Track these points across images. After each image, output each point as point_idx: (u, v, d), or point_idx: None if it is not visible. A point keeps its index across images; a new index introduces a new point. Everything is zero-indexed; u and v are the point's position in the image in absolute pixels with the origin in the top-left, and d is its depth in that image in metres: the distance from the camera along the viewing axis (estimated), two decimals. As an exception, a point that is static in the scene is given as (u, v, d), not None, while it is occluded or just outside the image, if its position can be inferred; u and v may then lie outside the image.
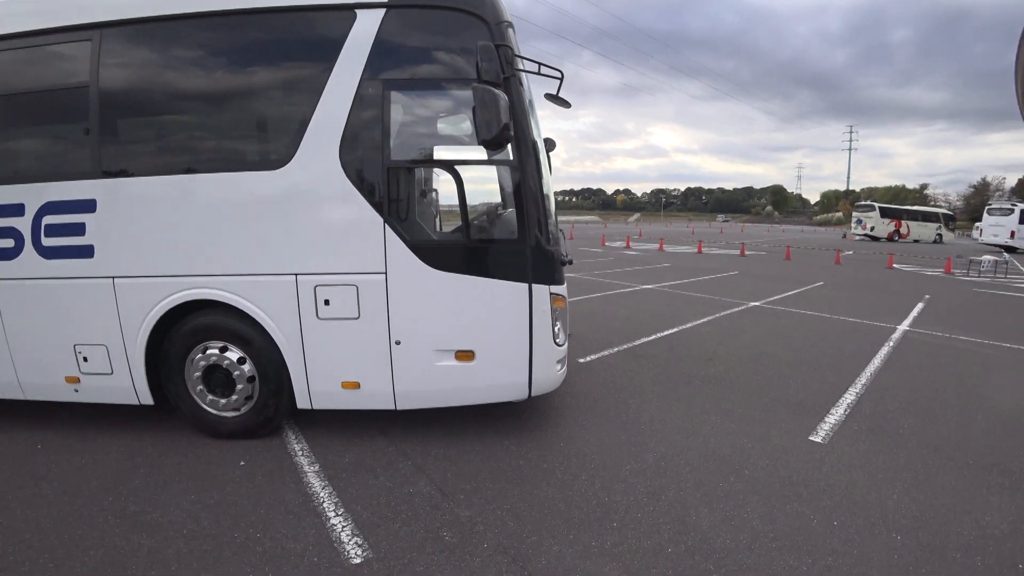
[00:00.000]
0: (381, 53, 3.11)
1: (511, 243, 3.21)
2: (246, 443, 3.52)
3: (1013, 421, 4.24)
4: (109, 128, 3.43)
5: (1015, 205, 30.14)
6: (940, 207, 54.94)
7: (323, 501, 2.83)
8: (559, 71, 3.17)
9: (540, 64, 3.11)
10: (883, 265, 18.25)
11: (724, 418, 4.05)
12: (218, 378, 3.51)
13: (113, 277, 3.40)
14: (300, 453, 3.39)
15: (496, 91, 2.80)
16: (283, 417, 3.59)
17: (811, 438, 3.77)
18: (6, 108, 3.55)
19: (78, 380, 3.62)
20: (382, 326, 3.23)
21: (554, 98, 3.38)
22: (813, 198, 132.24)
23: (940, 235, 39.49)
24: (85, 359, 3.56)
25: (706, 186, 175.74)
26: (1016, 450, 3.68)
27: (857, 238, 38.98)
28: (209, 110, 3.55)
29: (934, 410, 4.40)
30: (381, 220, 3.12)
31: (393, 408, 3.39)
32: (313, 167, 3.18)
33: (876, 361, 5.86)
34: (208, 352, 3.47)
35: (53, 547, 2.43)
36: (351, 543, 2.45)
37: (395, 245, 3.14)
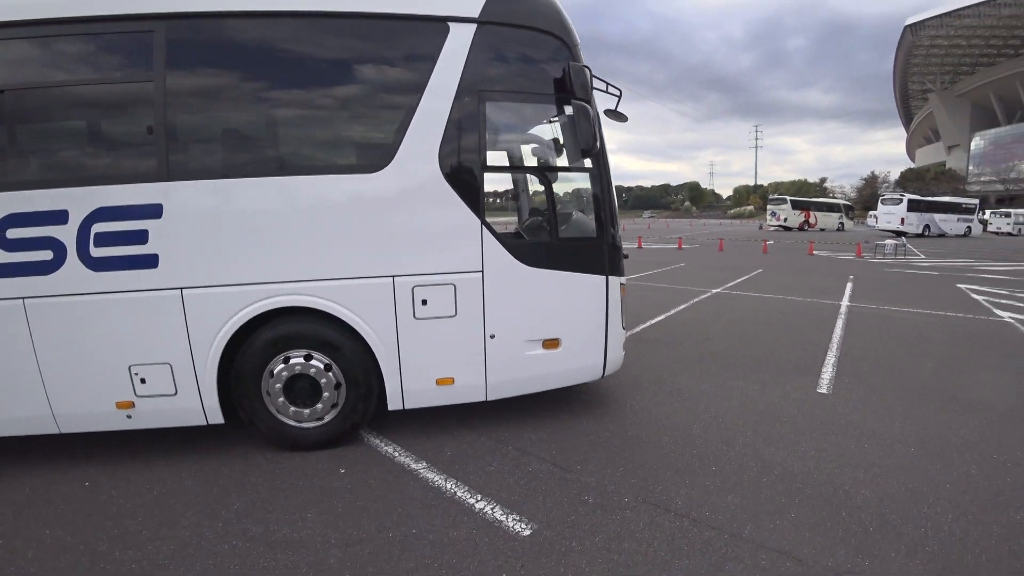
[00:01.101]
0: (475, 64, 3.34)
1: (592, 240, 3.72)
2: (330, 452, 3.51)
3: (952, 364, 5.46)
4: (180, 128, 3.30)
5: (903, 195, 34.94)
6: (839, 199, 61.93)
7: (454, 491, 3.00)
8: (619, 89, 3.81)
9: (607, 83, 3.73)
10: (804, 252, 20.67)
11: (745, 383, 4.89)
12: (301, 388, 3.44)
13: (182, 288, 3.21)
14: (398, 454, 3.48)
15: (591, 108, 3.40)
16: (367, 421, 3.63)
17: (819, 391, 4.69)
18: (45, 102, 3.29)
19: (132, 405, 3.34)
20: (478, 322, 3.48)
21: (614, 113, 3.97)
22: (725, 193, 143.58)
23: (842, 223, 44.70)
24: (143, 380, 3.30)
25: (625, 184, 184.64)
26: (961, 384, 4.84)
27: (772, 228, 43.21)
28: (298, 111, 3.51)
29: (895, 363, 5.53)
30: (479, 221, 3.38)
31: (484, 400, 3.64)
32: (413, 170, 3.32)
33: (838, 330, 7.06)
34: (292, 362, 3.40)
35: None
36: (509, 520, 2.69)
37: (491, 244, 3.43)
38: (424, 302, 3.38)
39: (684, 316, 8.14)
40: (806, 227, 42.65)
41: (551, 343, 3.67)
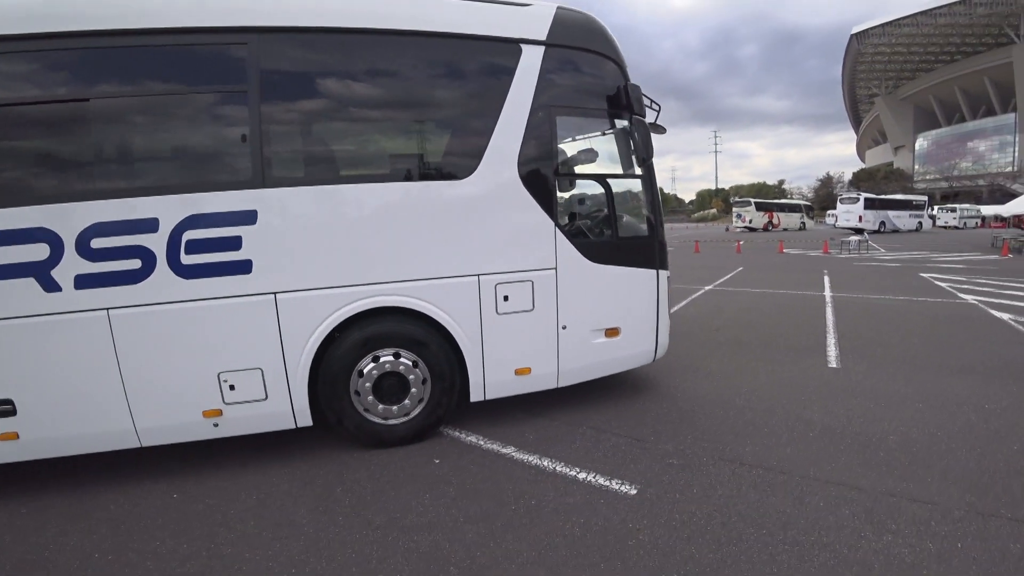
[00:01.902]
0: (545, 81, 3.72)
1: (645, 238, 4.24)
2: (417, 446, 3.69)
3: (934, 339, 6.29)
4: (277, 135, 3.44)
5: (860, 195, 37.26)
6: (798, 199, 65.12)
7: (553, 467, 3.31)
8: (658, 104, 4.40)
9: (650, 99, 4.30)
10: (776, 251, 21.95)
11: (764, 363, 5.54)
12: (389, 386, 3.62)
13: (275, 293, 3.30)
14: (482, 442, 3.72)
15: (646, 123, 3.98)
16: (450, 415, 3.85)
17: (830, 366, 5.39)
18: (136, 110, 3.34)
19: (220, 413, 3.37)
20: (552, 314, 3.86)
21: (654, 126, 4.53)
22: (688, 197, 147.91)
23: (803, 223, 47.11)
24: (232, 387, 3.35)
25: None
26: (946, 354, 5.63)
27: (739, 230, 45.14)
28: (389, 121, 3.80)
29: (887, 341, 6.31)
30: (552, 223, 3.78)
31: (555, 387, 4.00)
32: (495, 177, 3.64)
33: (829, 316, 7.87)
34: (382, 360, 3.58)
35: (375, 570, 2.43)
36: (614, 484, 3.07)
37: (563, 244, 3.83)
38: (505, 298, 3.72)
39: (688, 311, 8.82)
40: (770, 227, 44.78)
41: (612, 332, 4.17)
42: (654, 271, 4.30)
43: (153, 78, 3.28)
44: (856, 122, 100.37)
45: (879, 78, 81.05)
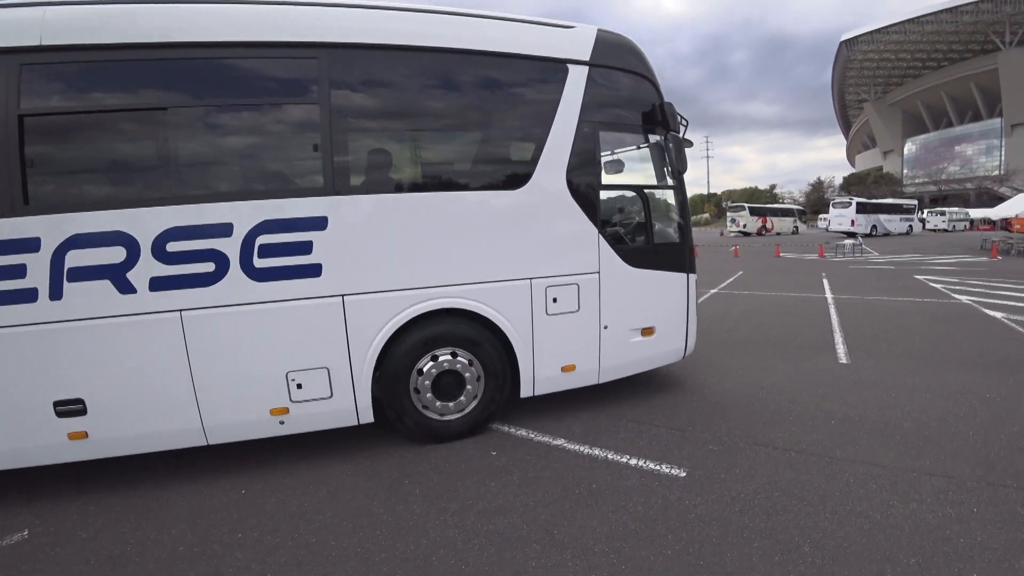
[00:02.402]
0: (590, 99, 4.03)
1: (677, 244, 4.59)
2: (472, 440, 3.94)
3: (934, 337, 6.72)
4: (346, 145, 3.61)
5: (852, 199, 38.03)
6: (790, 204, 66.08)
7: (604, 456, 3.60)
8: (686, 120, 4.76)
9: (680, 115, 4.66)
10: (773, 255, 22.46)
11: (779, 360, 5.94)
12: (446, 383, 3.87)
13: (343, 295, 3.51)
14: (533, 436, 3.99)
15: (681, 139, 4.36)
16: (501, 410, 4.11)
17: (841, 362, 5.79)
18: (214, 119, 3.52)
19: (286, 411, 3.54)
20: (595, 315, 4.18)
21: (683, 140, 4.92)
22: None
23: (796, 227, 47.91)
24: (299, 386, 3.52)
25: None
26: (946, 350, 6.06)
27: (733, 234, 45.82)
28: (450, 132, 4.07)
29: (890, 338, 6.74)
30: (596, 230, 4.11)
31: (596, 383, 4.32)
32: (546, 187, 3.95)
33: (834, 317, 8.30)
34: (440, 359, 3.83)
35: (461, 550, 2.68)
36: (664, 468, 3.39)
37: (605, 249, 4.16)
38: (554, 300, 4.03)
39: (699, 313, 9.20)
40: (764, 232, 45.49)
41: (648, 331, 4.53)
42: (685, 274, 4.67)
43: (230, 89, 3.47)
44: (846, 127, 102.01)
45: (868, 84, 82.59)
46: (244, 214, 3.33)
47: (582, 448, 3.79)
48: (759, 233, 45.13)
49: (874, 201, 40.21)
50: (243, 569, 2.59)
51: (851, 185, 74.74)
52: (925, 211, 47.93)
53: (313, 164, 3.52)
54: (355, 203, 3.55)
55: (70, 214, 3.12)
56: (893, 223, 38.50)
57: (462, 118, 4.06)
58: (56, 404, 3.20)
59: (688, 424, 4.17)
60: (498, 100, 4.07)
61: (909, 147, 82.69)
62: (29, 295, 3.08)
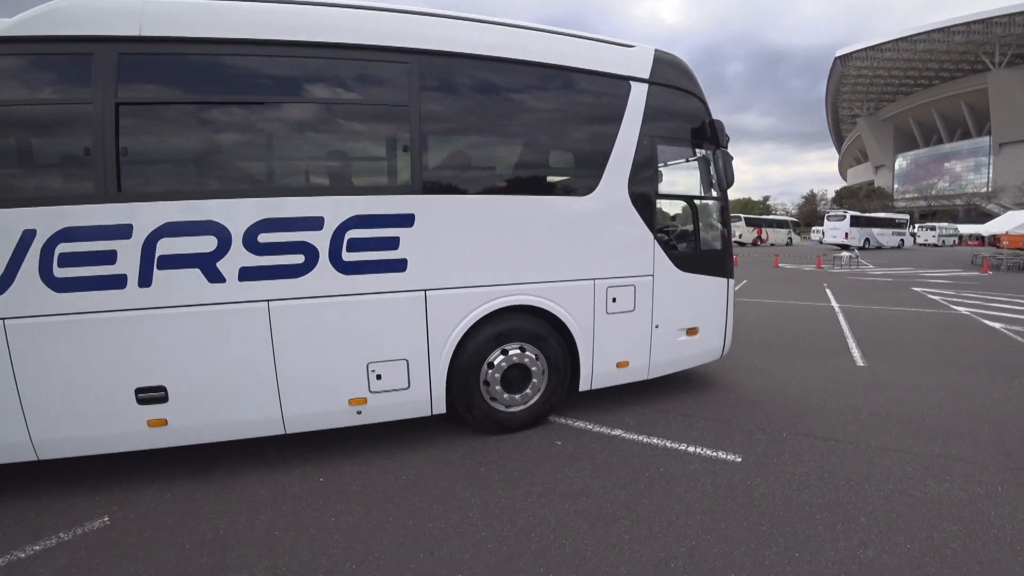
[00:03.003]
0: (649, 114, 4.35)
1: (720, 251, 5.04)
2: (536, 431, 4.20)
3: (940, 343, 7.22)
4: (433, 147, 3.82)
5: (846, 212, 38.88)
6: (783, 215, 67.19)
7: (663, 444, 3.94)
8: (728, 135, 5.14)
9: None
10: (771, 265, 23.05)
11: (801, 363, 6.38)
12: (513, 377, 4.10)
13: (426, 290, 3.70)
14: (591, 427, 4.27)
15: (730, 155, 4.79)
16: (561, 403, 4.39)
17: (858, 364, 6.25)
18: (306, 115, 3.68)
19: (365, 401, 3.68)
20: (648, 314, 4.51)
21: None
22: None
23: (791, 238, 48.79)
24: (378, 377, 3.66)
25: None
26: (953, 356, 6.55)
27: (730, 244, 46.46)
28: (527, 140, 4.31)
29: (900, 344, 7.23)
30: (652, 236, 4.44)
31: (646, 378, 4.65)
32: (610, 196, 4.25)
33: (843, 324, 8.79)
34: (510, 353, 4.07)
35: (555, 528, 3.09)
36: (720, 454, 3.76)
37: (659, 254, 4.50)
38: (614, 300, 4.35)
39: (714, 318, 9.67)
40: (759, 242, 46.32)
41: (692, 331, 4.91)
42: (725, 279, 5.09)
43: (324, 87, 3.61)
44: (839, 141, 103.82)
45: (861, 99, 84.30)
46: (335, 208, 3.46)
47: (640, 437, 4.15)
48: (754, 244, 45.99)
49: (867, 215, 41.14)
50: (347, 549, 2.71)
51: (843, 198, 76.15)
52: (916, 226, 49.04)
53: (402, 163, 3.71)
54: (440, 202, 3.76)
55: (163, 203, 3.20)
56: (885, 237, 39.41)
57: (537, 126, 4.32)
58: (138, 391, 3.26)
59: (731, 417, 4.57)
60: (569, 111, 4.35)
61: (900, 162, 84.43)
62: (118, 281, 3.14)
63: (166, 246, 3.19)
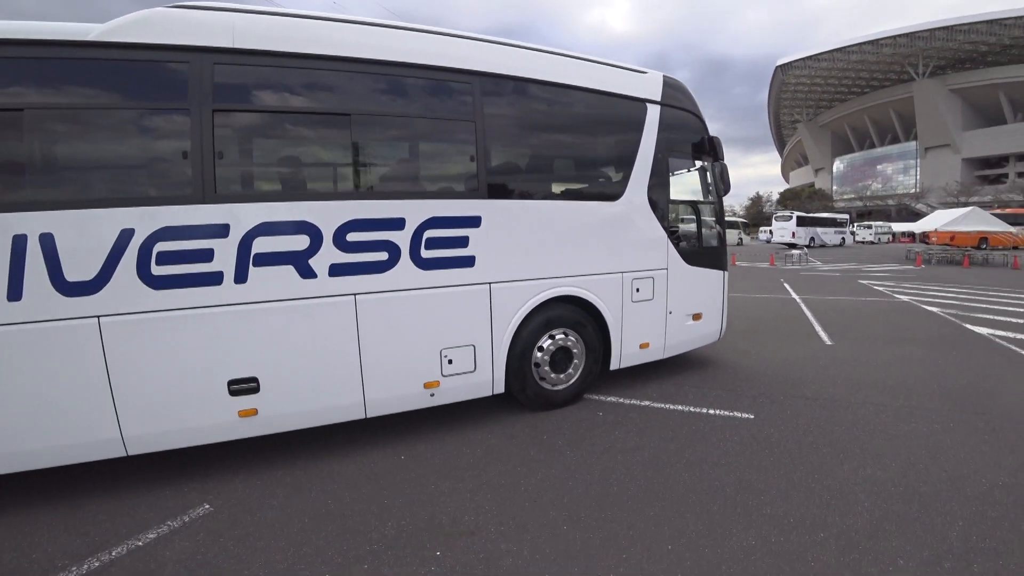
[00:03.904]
0: (661, 132, 5.10)
1: (718, 248, 5.96)
2: (576, 407, 4.79)
3: (890, 324, 8.44)
4: (493, 159, 4.31)
5: (793, 213, 41.56)
6: (730, 216, 70.69)
7: (688, 409, 4.70)
8: (723, 150, 6.06)
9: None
10: (728, 263, 24.57)
11: (779, 344, 7.39)
12: (557, 359, 4.69)
13: (490, 283, 4.22)
14: (622, 400, 4.97)
15: (726, 166, 5.68)
16: (594, 381, 5.04)
17: (827, 343, 7.32)
18: (390, 127, 4.09)
19: (438, 384, 4.09)
20: (663, 302, 5.29)
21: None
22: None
23: (741, 238, 51.46)
24: (450, 361, 4.09)
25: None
26: (902, 333, 7.73)
27: (687, 245, 48.68)
28: (571, 154, 5.03)
29: (857, 326, 8.40)
30: (666, 236, 5.24)
31: (661, 358, 5.48)
32: (633, 201, 4.98)
33: (807, 312, 9.97)
34: (556, 338, 4.65)
35: (626, 474, 4.05)
36: (736, 413, 4.56)
37: (671, 251, 5.28)
38: (637, 290, 5.09)
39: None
40: (714, 242, 48.68)
41: (697, 316, 5.78)
42: (722, 272, 6.00)
43: (403, 102, 4.04)
44: (781, 145, 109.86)
45: (801, 106, 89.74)
46: (415, 210, 3.87)
47: (666, 406, 4.92)
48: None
49: (811, 215, 44.11)
50: (459, 508, 3.11)
51: (787, 200, 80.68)
52: (855, 225, 52.83)
53: (470, 171, 4.19)
54: (502, 206, 4.27)
55: (260, 204, 3.46)
56: (828, 235, 42.38)
57: (577, 140, 5.03)
58: (231, 383, 3.44)
59: (736, 387, 5.45)
60: (602, 128, 5.08)
61: (838, 165, 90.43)
62: (214, 278, 3.33)
63: (261, 244, 3.42)
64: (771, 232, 43.19)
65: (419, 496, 3.29)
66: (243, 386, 3.47)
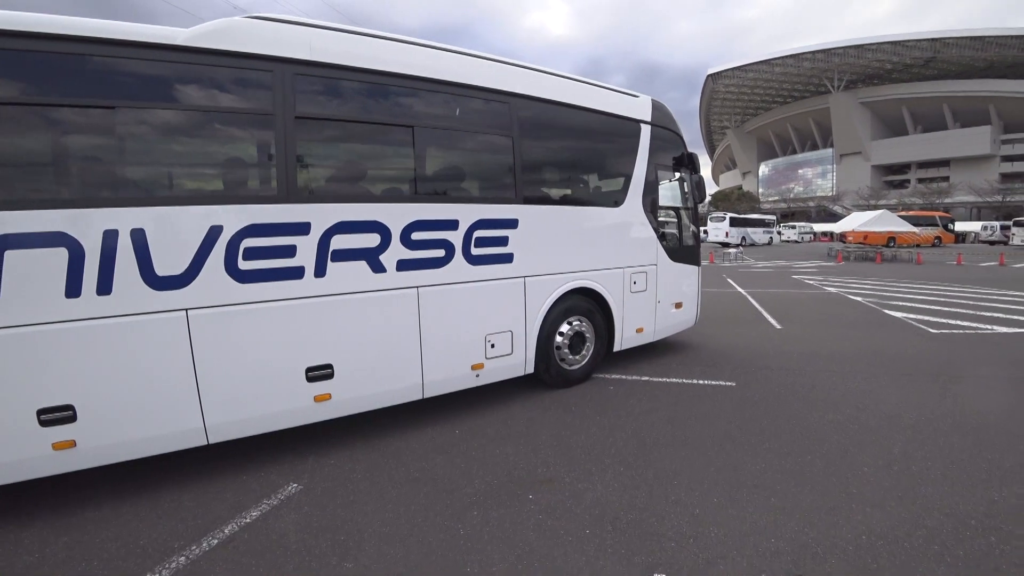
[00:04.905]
0: (651, 148, 5.98)
1: (694, 247, 6.99)
2: (586, 384, 5.55)
3: (823, 310, 9.94)
4: (527, 170, 4.90)
5: (726, 214, 44.62)
6: (672, 216, 74.50)
7: (681, 381, 5.61)
8: (699, 164, 7.15)
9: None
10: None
11: (738, 329, 8.60)
12: (574, 343, 5.45)
13: (525, 277, 4.84)
14: (624, 377, 5.79)
15: (703, 178, 6.73)
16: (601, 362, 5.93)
17: (777, 327, 8.61)
18: (445, 138, 4.59)
19: (482, 366, 4.61)
20: (654, 293, 6.21)
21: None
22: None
23: (681, 237, 54.47)
24: (492, 346, 4.63)
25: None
26: (834, 317, 9.19)
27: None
28: (586, 166, 5.93)
29: (798, 312, 9.84)
30: (656, 236, 6.16)
31: (652, 341, 6.50)
32: (632, 207, 5.83)
33: (754, 303, 11.38)
34: (574, 324, 5.40)
35: (643, 423, 5.22)
36: (720, 382, 5.53)
37: (660, 249, 6.21)
38: (634, 282, 5.98)
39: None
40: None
41: (679, 305, 6.79)
42: (697, 267, 7.07)
43: (458, 118, 4.56)
44: (711, 149, 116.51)
45: (730, 113, 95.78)
46: (467, 213, 4.40)
47: (663, 379, 5.85)
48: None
49: (743, 216, 47.58)
50: (529, 464, 3.73)
51: (718, 201, 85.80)
52: (780, 225, 57.30)
53: (509, 179, 4.82)
54: (534, 210, 4.95)
55: (338, 204, 3.79)
56: (758, 235, 45.87)
57: (592, 155, 5.95)
58: (308, 370, 3.71)
59: (713, 363, 6.51)
60: (611, 144, 5.95)
61: (763, 169, 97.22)
62: (297, 272, 3.60)
63: (339, 242, 3.75)
64: (706, 232, 46.18)
65: (489, 460, 3.84)
66: (319, 372, 3.75)
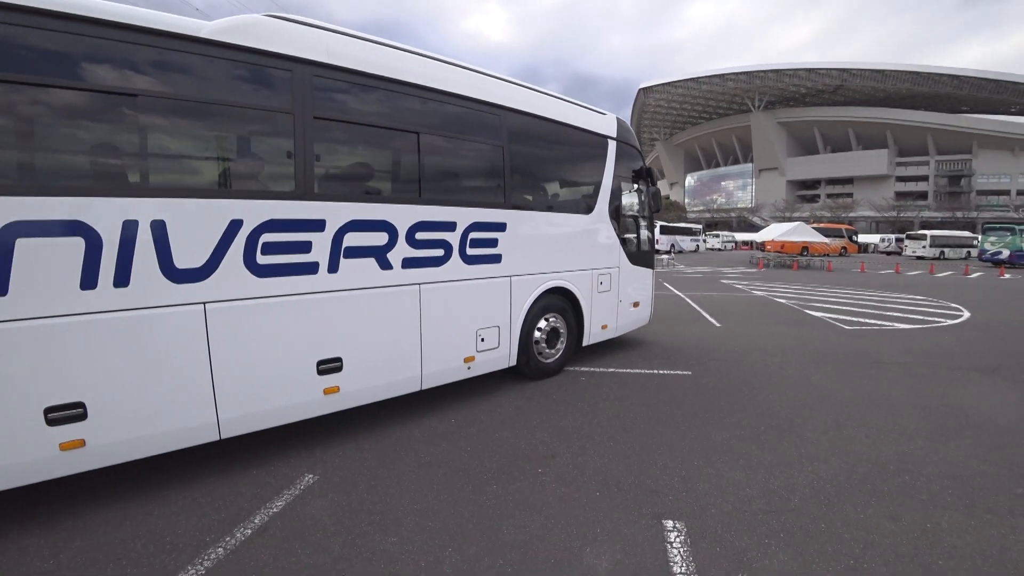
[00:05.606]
0: (616, 161, 6.60)
1: (650, 252, 7.72)
2: (559, 376, 6.06)
3: (753, 311, 11.12)
4: (514, 177, 5.30)
5: (657, 223, 47.05)
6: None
7: (644, 371, 6.29)
8: (656, 177, 7.92)
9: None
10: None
11: (682, 327, 9.49)
12: (550, 338, 5.90)
13: (511, 276, 5.25)
14: (594, 369, 6.39)
15: (659, 190, 7.49)
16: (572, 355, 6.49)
17: (717, 325, 9.60)
18: (447, 145, 4.84)
19: (474, 359, 4.92)
20: (616, 293, 6.84)
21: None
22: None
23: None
24: (482, 339, 4.97)
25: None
26: (764, 317, 10.34)
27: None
28: (563, 176, 6.55)
29: (732, 312, 10.95)
30: (619, 242, 6.81)
31: (615, 336, 7.16)
32: (600, 214, 6.42)
33: (693, 304, 12.47)
34: (550, 320, 5.88)
35: (619, 408, 5.84)
36: (678, 371, 6.31)
37: (621, 254, 6.87)
38: (600, 283, 6.57)
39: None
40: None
41: (636, 304, 7.49)
42: (651, 270, 7.84)
43: (459, 127, 4.87)
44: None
45: (659, 126, 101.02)
46: (463, 216, 4.74)
47: (627, 370, 6.52)
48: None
49: (673, 224, 50.44)
50: (530, 443, 4.14)
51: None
52: (705, 234, 61.12)
53: (499, 185, 5.21)
54: (519, 215, 5.37)
55: (352, 203, 3.96)
56: (686, 242, 48.80)
57: (570, 166, 6.56)
58: (319, 363, 3.81)
59: (669, 356, 7.27)
60: (585, 157, 6.53)
61: (689, 180, 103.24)
62: (312, 268, 3.73)
63: (351, 239, 3.93)
64: (659, 241, 48.55)
65: (491, 443, 4.19)
66: (329, 366, 3.87)
